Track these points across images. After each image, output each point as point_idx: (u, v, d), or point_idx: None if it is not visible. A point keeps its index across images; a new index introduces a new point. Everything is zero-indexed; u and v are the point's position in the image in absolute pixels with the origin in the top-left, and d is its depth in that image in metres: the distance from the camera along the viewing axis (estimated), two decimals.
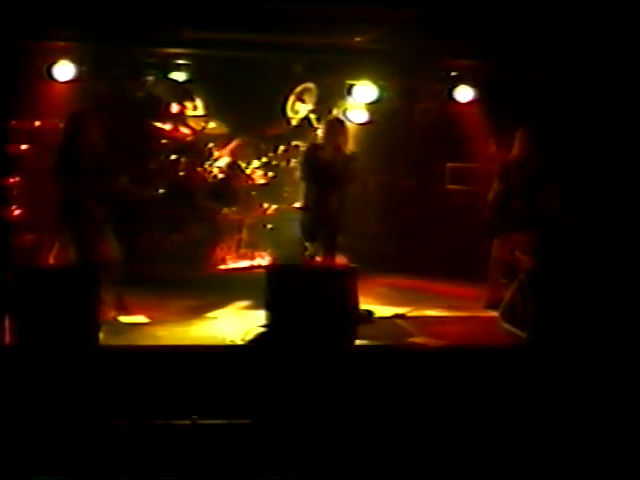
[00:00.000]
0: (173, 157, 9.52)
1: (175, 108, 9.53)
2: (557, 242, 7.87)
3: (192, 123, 9.66)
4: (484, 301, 8.34)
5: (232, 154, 9.56)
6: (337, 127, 8.07)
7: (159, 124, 9.56)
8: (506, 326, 7.47)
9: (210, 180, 9.48)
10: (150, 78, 9.02)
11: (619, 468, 5.59)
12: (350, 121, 9.22)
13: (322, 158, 7.99)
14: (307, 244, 8.14)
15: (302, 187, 8.23)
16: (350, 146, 8.04)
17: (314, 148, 8.24)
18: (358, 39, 8.51)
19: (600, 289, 7.11)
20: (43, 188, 8.27)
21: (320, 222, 8.01)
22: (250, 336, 6.94)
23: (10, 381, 5.98)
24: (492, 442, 5.83)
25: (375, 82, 9.59)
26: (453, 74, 9.68)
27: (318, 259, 8.03)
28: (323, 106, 9.72)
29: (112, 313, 7.44)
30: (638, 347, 6.73)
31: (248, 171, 9.53)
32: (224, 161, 9.57)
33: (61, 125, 7.76)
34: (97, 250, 7.37)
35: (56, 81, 8.70)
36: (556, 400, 6.31)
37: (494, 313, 7.81)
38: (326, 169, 7.94)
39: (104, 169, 7.55)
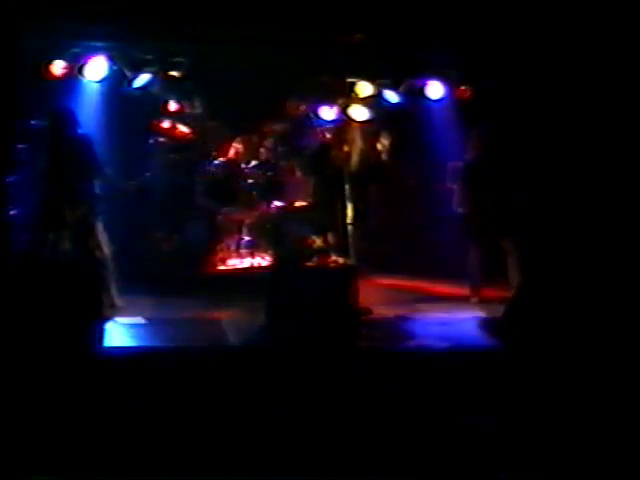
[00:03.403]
0: (172, 156, 9.49)
1: (173, 106, 9.49)
2: (546, 252, 7.92)
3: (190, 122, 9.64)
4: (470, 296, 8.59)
5: (233, 153, 9.52)
6: (351, 125, 8.15)
7: (157, 122, 9.53)
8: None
9: (209, 179, 9.44)
10: (148, 75, 8.94)
11: (623, 467, 5.57)
12: (351, 119, 9.19)
13: (337, 156, 8.05)
14: (316, 240, 8.18)
15: (313, 185, 8.27)
16: (361, 144, 8.10)
17: (328, 146, 8.29)
18: (359, 36, 8.50)
19: (593, 294, 7.09)
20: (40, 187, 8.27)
21: (331, 221, 8.06)
22: (250, 336, 6.91)
23: (10, 381, 5.96)
24: (494, 443, 5.80)
25: (375, 80, 9.56)
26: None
27: (334, 258, 8.06)
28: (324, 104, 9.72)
29: (108, 312, 7.41)
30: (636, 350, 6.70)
31: (247, 170, 9.49)
32: (223, 160, 9.53)
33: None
34: (88, 249, 7.37)
35: (52, 79, 8.65)
36: (560, 401, 6.28)
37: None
38: (339, 168, 8.00)
39: (88, 166, 7.54)
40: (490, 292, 8.46)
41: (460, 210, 8.56)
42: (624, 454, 5.63)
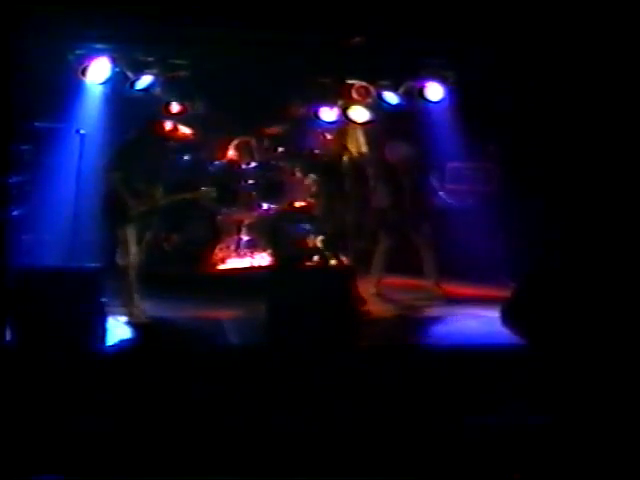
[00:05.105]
0: (173, 157, 9.51)
1: (175, 107, 9.51)
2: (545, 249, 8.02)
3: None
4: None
5: (234, 154, 9.54)
6: (347, 127, 8.20)
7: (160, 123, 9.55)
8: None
9: (210, 180, 9.46)
10: (150, 77, 8.98)
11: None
12: (352, 120, 9.23)
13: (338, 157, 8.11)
14: (316, 240, 8.24)
15: (313, 185, 8.33)
16: (362, 146, 8.15)
17: (328, 147, 8.35)
18: (359, 38, 8.54)
19: (595, 289, 7.11)
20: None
21: (331, 221, 8.12)
22: (250, 336, 6.93)
23: (10, 381, 5.98)
24: (493, 443, 5.82)
25: (375, 81, 9.60)
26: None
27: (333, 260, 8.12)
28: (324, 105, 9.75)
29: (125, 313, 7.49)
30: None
31: (247, 171, 9.52)
32: (223, 161, 9.56)
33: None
34: (128, 251, 7.48)
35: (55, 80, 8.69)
36: (559, 401, 6.29)
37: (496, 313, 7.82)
38: (339, 168, 8.06)
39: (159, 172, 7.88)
40: (489, 292, 8.50)
41: (380, 205, 8.89)
42: (630, 452, 5.65)
